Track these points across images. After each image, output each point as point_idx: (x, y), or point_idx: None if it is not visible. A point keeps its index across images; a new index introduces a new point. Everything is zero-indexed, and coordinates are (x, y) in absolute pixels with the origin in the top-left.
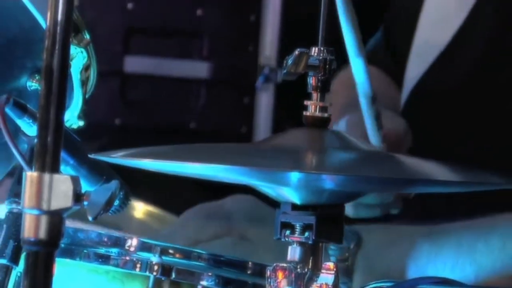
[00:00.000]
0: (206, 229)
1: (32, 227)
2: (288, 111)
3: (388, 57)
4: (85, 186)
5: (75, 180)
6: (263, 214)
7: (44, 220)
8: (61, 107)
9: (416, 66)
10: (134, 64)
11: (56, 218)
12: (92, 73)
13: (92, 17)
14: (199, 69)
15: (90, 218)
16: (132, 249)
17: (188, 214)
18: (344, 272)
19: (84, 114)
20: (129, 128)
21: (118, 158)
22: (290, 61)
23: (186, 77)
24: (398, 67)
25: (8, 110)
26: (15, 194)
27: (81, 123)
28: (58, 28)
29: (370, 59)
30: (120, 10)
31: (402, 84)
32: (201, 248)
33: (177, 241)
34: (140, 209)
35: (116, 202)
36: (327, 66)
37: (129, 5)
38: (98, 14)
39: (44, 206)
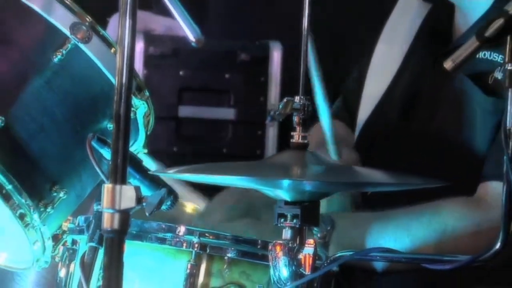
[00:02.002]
0: (233, 211)
1: (109, 221)
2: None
3: (345, 112)
4: (145, 192)
5: (137, 189)
6: (271, 202)
7: (116, 216)
8: (127, 141)
9: (362, 115)
10: (185, 111)
11: (124, 215)
12: (152, 117)
13: (157, 81)
14: (228, 113)
15: (147, 214)
16: (180, 233)
17: (219, 198)
18: (323, 246)
19: (147, 145)
20: (182, 153)
21: (171, 173)
22: (281, 106)
23: (220, 119)
24: (352, 118)
25: (94, 143)
26: (99, 199)
27: (145, 150)
28: (123, 87)
29: (334, 115)
30: (175, 76)
31: (355, 128)
32: (226, 231)
33: (213, 219)
34: (189, 206)
35: (169, 203)
36: (306, 109)
37: (181, 72)
38: (161, 79)
39: (116, 207)
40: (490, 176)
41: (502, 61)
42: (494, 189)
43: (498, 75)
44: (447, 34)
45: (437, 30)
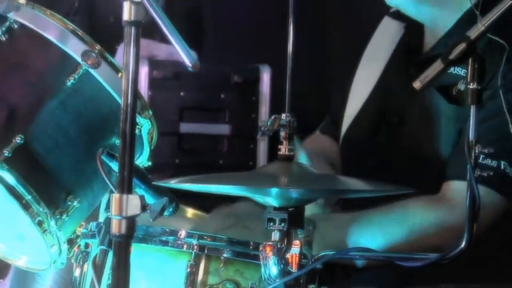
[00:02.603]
0: (225, 222)
1: (117, 226)
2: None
3: (332, 127)
4: (150, 200)
5: (141, 198)
6: (257, 213)
7: (123, 222)
8: (132, 155)
9: (343, 130)
10: (185, 127)
11: (130, 221)
12: (155, 134)
13: (160, 101)
14: (223, 129)
15: (151, 220)
16: (181, 236)
17: (214, 213)
18: (307, 244)
19: (151, 158)
20: (184, 165)
21: (171, 183)
22: (269, 122)
23: (216, 134)
24: (338, 132)
25: (103, 157)
26: (108, 207)
27: (149, 163)
28: (128, 108)
29: (321, 130)
30: (177, 96)
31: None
32: (222, 234)
33: (209, 229)
34: (189, 211)
35: (171, 209)
36: (291, 125)
37: (182, 93)
38: (164, 99)
39: (123, 214)
40: (452, 176)
41: (464, 75)
42: (455, 187)
43: (461, 86)
44: (418, 49)
45: (410, 47)
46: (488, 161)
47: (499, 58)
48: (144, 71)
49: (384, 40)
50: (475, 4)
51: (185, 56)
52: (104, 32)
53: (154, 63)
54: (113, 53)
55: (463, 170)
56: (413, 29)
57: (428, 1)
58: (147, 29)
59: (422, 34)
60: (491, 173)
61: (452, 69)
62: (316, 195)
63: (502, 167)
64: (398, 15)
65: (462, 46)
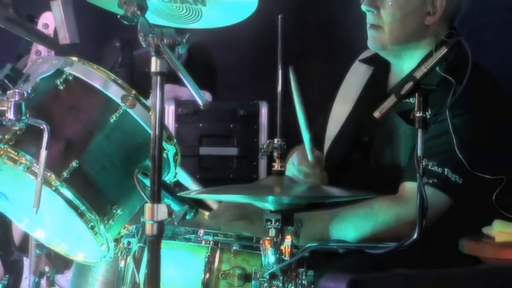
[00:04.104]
0: (236, 212)
1: (150, 228)
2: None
3: (316, 143)
4: (175, 208)
5: (168, 206)
6: (260, 211)
7: (155, 225)
8: (160, 174)
9: (326, 147)
10: (203, 150)
11: (160, 224)
12: (179, 156)
13: (184, 131)
14: (232, 151)
15: (175, 223)
16: (200, 234)
17: (222, 204)
18: (295, 237)
19: (176, 175)
20: (203, 179)
21: (193, 194)
22: (265, 146)
23: (227, 155)
24: (321, 148)
25: (139, 176)
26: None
27: (175, 179)
28: (156, 137)
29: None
30: (197, 127)
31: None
32: (231, 232)
33: (222, 217)
34: (207, 214)
35: (191, 214)
36: (282, 147)
37: (200, 125)
38: (187, 129)
39: (155, 219)
40: (406, 178)
41: None
42: (409, 187)
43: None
44: (384, 86)
45: (377, 85)
46: (435, 168)
47: (448, 91)
48: (171, 108)
49: (355, 79)
50: (434, 48)
51: (197, 97)
52: (141, 80)
53: (179, 103)
54: (147, 95)
55: (415, 173)
56: (380, 71)
57: (398, 49)
58: (174, 76)
59: (387, 74)
60: (436, 179)
61: (411, 99)
62: (302, 201)
63: (446, 173)
64: (367, 61)
65: (410, 84)
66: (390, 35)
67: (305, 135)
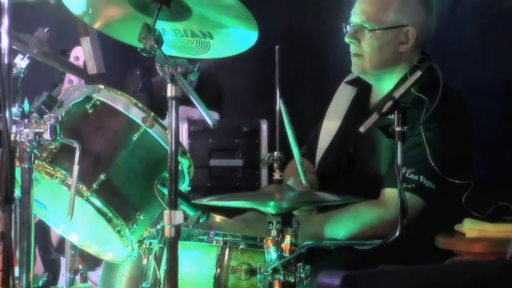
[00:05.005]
0: (240, 224)
1: (168, 231)
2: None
3: (309, 154)
4: (190, 213)
5: (184, 212)
6: (260, 218)
7: (173, 229)
8: (176, 184)
9: (318, 158)
10: (213, 162)
11: (177, 227)
12: (192, 168)
13: (196, 146)
14: (238, 162)
15: (190, 226)
16: (211, 235)
17: (233, 219)
18: (294, 236)
19: (190, 184)
20: (212, 187)
21: (204, 201)
22: (266, 158)
23: (233, 166)
24: (313, 158)
25: (158, 186)
26: (162, 218)
27: (189, 188)
28: (173, 153)
29: (303, 155)
30: (207, 142)
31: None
32: (239, 233)
33: (230, 228)
34: (217, 218)
35: (204, 218)
36: (281, 159)
37: (210, 140)
38: (199, 144)
39: (172, 223)
40: (386, 184)
41: None
42: (389, 192)
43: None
44: (367, 104)
45: (360, 103)
46: (412, 176)
47: (421, 108)
48: (185, 127)
49: (342, 99)
50: (409, 71)
51: (207, 117)
52: (158, 103)
53: (191, 122)
54: (164, 116)
55: (394, 180)
56: (363, 92)
57: (377, 74)
58: (187, 99)
59: (369, 94)
60: (414, 184)
61: (390, 115)
62: (299, 205)
63: (421, 179)
64: (352, 82)
65: (390, 103)
66: (370, 62)
67: (298, 163)
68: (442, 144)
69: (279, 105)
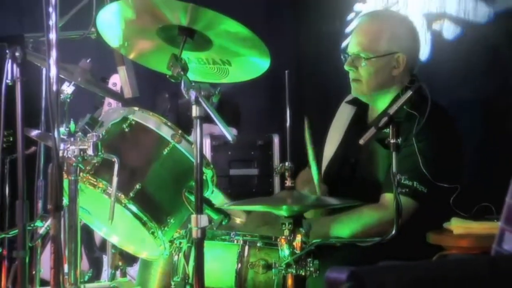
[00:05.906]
0: (258, 221)
1: (195, 233)
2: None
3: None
4: (214, 216)
5: (208, 216)
6: (276, 217)
7: (199, 230)
8: (201, 191)
9: (323, 169)
10: (233, 172)
11: (203, 230)
12: (215, 177)
13: (218, 158)
14: (254, 171)
15: (214, 228)
16: (233, 235)
17: (252, 214)
18: (306, 236)
19: (213, 191)
20: (233, 194)
21: (224, 206)
22: (278, 168)
23: (250, 174)
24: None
25: (186, 194)
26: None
27: (212, 194)
28: (198, 164)
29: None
30: (227, 154)
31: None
32: (256, 233)
33: (250, 224)
34: (238, 219)
35: (226, 221)
36: (291, 169)
37: (229, 152)
38: (220, 157)
39: (198, 225)
40: (385, 190)
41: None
42: (387, 198)
43: (390, 140)
44: (365, 120)
45: (359, 119)
46: (406, 181)
47: (413, 122)
48: (208, 142)
49: (343, 116)
50: (401, 91)
51: (226, 133)
52: (185, 122)
53: (213, 137)
54: (190, 133)
55: (392, 186)
56: (361, 110)
57: (373, 95)
58: (210, 118)
59: (367, 112)
60: (408, 189)
61: (386, 129)
62: (308, 208)
63: (414, 185)
64: (351, 102)
65: (385, 119)
66: (367, 85)
67: (315, 176)
68: (432, 153)
69: (289, 121)
